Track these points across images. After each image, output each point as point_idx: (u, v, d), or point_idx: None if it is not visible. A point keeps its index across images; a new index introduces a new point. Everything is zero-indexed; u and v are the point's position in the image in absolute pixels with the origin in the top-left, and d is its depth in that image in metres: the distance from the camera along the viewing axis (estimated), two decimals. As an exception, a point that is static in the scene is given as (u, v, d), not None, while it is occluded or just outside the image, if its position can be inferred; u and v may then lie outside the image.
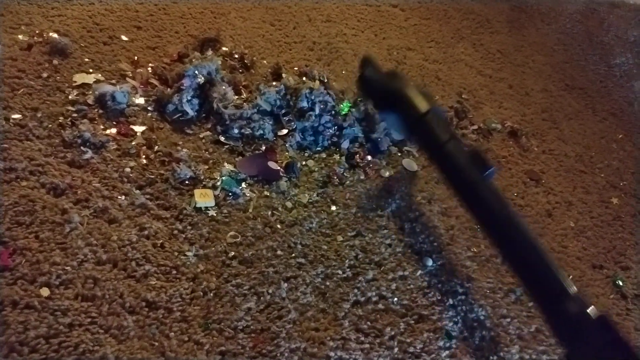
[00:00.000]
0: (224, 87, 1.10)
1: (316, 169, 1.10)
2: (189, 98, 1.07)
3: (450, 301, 0.98)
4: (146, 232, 0.90)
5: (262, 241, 0.96)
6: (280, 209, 1.01)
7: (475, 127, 1.33)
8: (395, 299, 0.95)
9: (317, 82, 1.17)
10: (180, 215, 0.94)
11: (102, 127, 1.01)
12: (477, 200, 0.90)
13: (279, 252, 0.95)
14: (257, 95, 1.13)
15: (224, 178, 1.01)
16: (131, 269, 0.85)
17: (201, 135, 1.07)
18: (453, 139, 0.96)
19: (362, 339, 0.89)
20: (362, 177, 1.12)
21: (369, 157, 1.16)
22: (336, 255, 0.98)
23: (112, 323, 0.79)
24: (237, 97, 1.13)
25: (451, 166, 0.94)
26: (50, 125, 0.98)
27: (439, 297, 0.97)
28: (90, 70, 1.09)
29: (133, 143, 1.01)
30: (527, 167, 1.29)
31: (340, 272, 0.96)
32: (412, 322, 0.93)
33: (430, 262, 1.02)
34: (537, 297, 0.86)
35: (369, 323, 0.91)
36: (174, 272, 0.87)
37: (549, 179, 1.29)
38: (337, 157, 1.13)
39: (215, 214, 0.96)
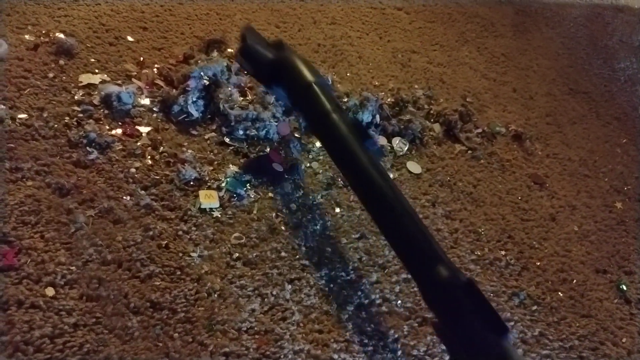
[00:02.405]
0: (229, 89, 1.10)
1: (320, 170, 1.10)
2: (194, 99, 1.08)
3: (454, 304, 0.97)
4: (151, 233, 0.90)
5: (266, 243, 0.96)
6: (284, 210, 1.01)
7: (480, 130, 1.33)
8: (399, 301, 0.95)
9: None
10: (185, 216, 0.94)
11: (107, 127, 1.01)
12: (357, 169, 0.89)
13: (283, 254, 0.95)
14: (263, 97, 1.13)
15: (228, 179, 1.01)
16: (136, 270, 0.85)
17: (206, 137, 1.07)
18: (338, 109, 0.95)
19: (366, 341, 0.89)
20: (366, 179, 1.12)
21: (373, 160, 1.16)
22: (340, 258, 0.98)
23: (116, 323, 0.79)
24: (242, 98, 1.13)
25: (334, 135, 0.93)
26: (56, 125, 0.98)
27: (443, 300, 0.97)
28: (96, 71, 1.09)
29: (138, 144, 1.01)
30: (531, 171, 1.29)
31: (344, 274, 0.96)
32: (416, 325, 0.93)
33: (434, 265, 1.02)
34: (410, 264, 0.86)
35: (372, 326, 0.91)
36: (179, 272, 0.87)
37: (553, 183, 1.29)
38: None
39: (219, 215, 0.97)
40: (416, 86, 1.38)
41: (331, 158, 1.01)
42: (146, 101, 1.08)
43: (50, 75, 1.05)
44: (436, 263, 0.80)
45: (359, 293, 0.94)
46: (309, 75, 0.98)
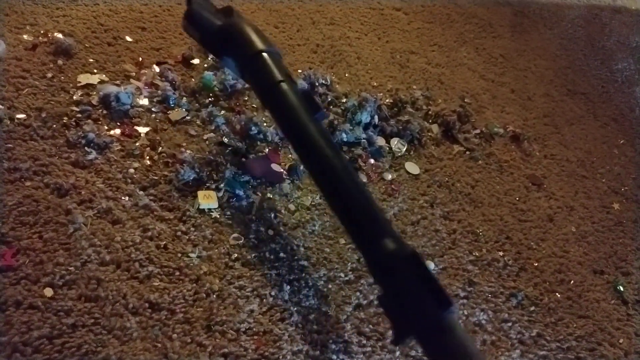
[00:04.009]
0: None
1: (319, 171, 1.10)
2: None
3: (452, 305, 0.98)
4: (149, 234, 0.90)
5: (265, 243, 0.96)
6: (283, 211, 1.01)
7: (478, 131, 1.33)
8: (397, 302, 0.95)
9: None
10: (184, 217, 0.94)
11: (106, 127, 1.01)
12: (307, 140, 0.87)
13: (281, 255, 0.95)
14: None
15: (227, 180, 1.01)
16: (134, 270, 0.85)
17: (205, 137, 1.07)
18: (288, 79, 0.91)
19: (364, 342, 0.89)
20: (365, 180, 1.12)
21: (372, 161, 1.16)
22: (338, 258, 0.98)
23: (115, 324, 0.79)
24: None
25: (284, 105, 0.90)
26: (54, 126, 0.98)
27: (441, 301, 0.97)
28: (95, 71, 1.09)
29: (137, 144, 1.01)
30: (528, 172, 1.30)
31: (342, 275, 0.96)
32: (414, 325, 0.93)
33: (432, 266, 1.02)
34: (357, 236, 0.84)
35: (371, 326, 0.91)
36: (177, 273, 0.87)
37: (551, 184, 1.29)
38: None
39: (218, 216, 0.97)
40: (414, 87, 1.38)
41: (280, 129, 0.96)
42: (145, 101, 1.08)
43: (49, 75, 1.05)
44: (383, 235, 0.79)
45: (358, 293, 0.94)
46: (258, 43, 0.93)
